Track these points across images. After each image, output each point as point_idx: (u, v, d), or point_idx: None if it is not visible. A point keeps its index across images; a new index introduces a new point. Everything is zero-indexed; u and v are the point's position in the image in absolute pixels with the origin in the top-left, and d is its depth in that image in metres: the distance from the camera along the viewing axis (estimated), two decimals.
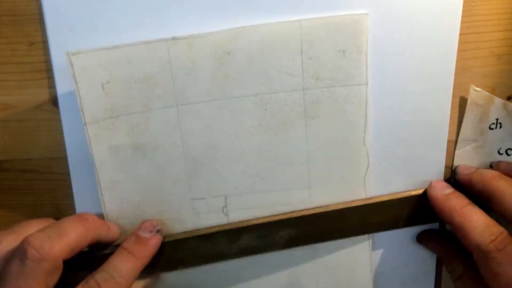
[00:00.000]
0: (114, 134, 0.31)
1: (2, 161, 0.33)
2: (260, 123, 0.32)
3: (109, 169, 0.32)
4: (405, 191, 0.33)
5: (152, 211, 0.33)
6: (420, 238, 0.35)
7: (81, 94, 0.30)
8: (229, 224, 0.33)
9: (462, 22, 0.31)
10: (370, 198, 0.33)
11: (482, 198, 0.30)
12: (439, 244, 0.34)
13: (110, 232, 0.31)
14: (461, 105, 0.33)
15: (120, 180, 0.32)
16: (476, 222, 0.29)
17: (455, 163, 0.34)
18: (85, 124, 0.30)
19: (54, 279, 0.27)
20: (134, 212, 0.33)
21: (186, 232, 0.33)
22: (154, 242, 0.32)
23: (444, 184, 0.32)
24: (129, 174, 0.32)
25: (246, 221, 0.33)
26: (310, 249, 0.35)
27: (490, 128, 0.33)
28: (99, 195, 0.32)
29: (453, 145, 0.34)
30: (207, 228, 0.33)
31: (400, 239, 0.36)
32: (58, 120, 0.32)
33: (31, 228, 0.28)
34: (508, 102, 0.32)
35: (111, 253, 0.30)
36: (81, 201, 0.33)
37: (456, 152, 0.34)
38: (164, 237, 0.33)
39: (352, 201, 0.33)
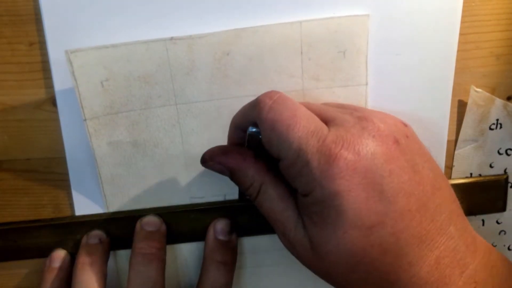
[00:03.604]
0: (114, 130, 0.31)
1: (1, 161, 0.33)
2: None
3: (110, 164, 0.32)
4: None
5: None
6: (205, 158, 0.29)
7: (80, 90, 0.30)
8: (227, 201, 0.34)
9: (462, 22, 0.31)
10: None
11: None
12: (232, 157, 0.29)
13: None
14: (461, 105, 0.33)
15: (120, 174, 0.32)
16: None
17: (455, 163, 0.34)
18: (85, 120, 0.30)
19: None
20: (134, 208, 0.33)
21: (184, 205, 0.33)
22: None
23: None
24: (130, 169, 0.32)
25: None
26: None
27: (490, 129, 0.33)
28: (100, 189, 0.32)
29: (453, 145, 0.34)
30: (206, 203, 0.34)
31: None
32: (58, 120, 0.32)
33: None
34: (508, 103, 0.32)
35: None
36: (80, 201, 0.33)
37: (456, 152, 0.34)
38: (163, 209, 0.33)
39: None
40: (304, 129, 0.24)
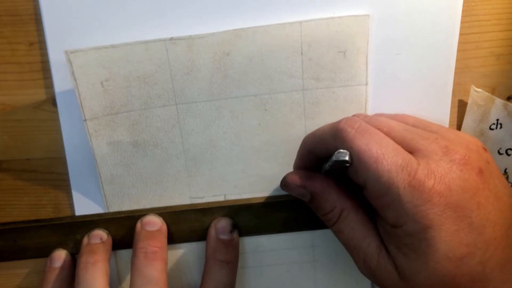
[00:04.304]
0: (114, 131, 0.31)
1: (1, 161, 0.33)
2: (260, 123, 0.32)
3: (110, 164, 0.32)
4: None
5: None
6: (286, 182, 0.30)
7: (80, 91, 0.30)
8: (227, 201, 0.34)
9: (462, 22, 0.31)
10: None
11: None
12: (317, 182, 0.29)
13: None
14: (461, 105, 0.33)
15: (120, 174, 0.32)
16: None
17: None
18: (85, 120, 0.30)
19: None
20: (134, 207, 0.33)
21: (184, 205, 0.33)
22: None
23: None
24: (130, 169, 0.32)
25: (244, 199, 0.34)
26: (308, 245, 0.35)
27: (491, 129, 0.33)
28: (100, 189, 0.32)
29: None
30: (206, 203, 0.33)
31: None
32: (58, 120, 0.32)
33: None
34: (508, 103, 0.32)
35: None
36: (80, 201, 0.33)
37: None
38: (163, 209, 0.33)
39: None
40: (392, 162, 0.24)
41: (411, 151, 0.25)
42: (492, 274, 0.24)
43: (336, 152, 0.25)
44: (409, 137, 0.26)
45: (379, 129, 0.26)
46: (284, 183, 0.30)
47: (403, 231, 0.24)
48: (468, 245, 0.23)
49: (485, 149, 0.26)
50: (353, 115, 0.30)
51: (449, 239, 0.23)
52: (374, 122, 0.27)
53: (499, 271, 0.24)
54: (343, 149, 0.25)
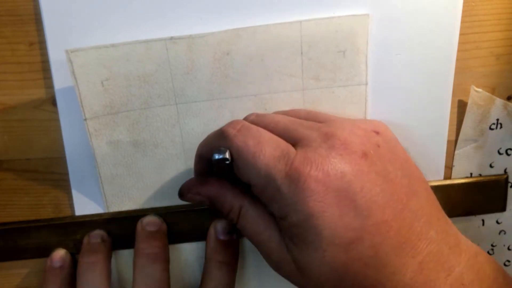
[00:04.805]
0: (114, 130, 0.31)
1: (1, 161, 0.33)
2: None
3: (110, 164, 0.32)
4: None
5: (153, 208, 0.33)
6: (182, 192, 0.30)
7: (80, 90, 0.30)
8: None
9: (462, 22, 0.31)
10: None
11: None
12: (210, 186, 0.29)
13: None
14: (461, 105, 0.33)
15: (120, 174, 0.32)
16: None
17: (455, 163, 0.34)
18: (85, 119, 0.30)
19: None
20: (134, 207, 0.33)
21: (184, 205, 0.33)
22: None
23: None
24: (130, 169, 0.32)
25: None
26: None
27: (491, 128, 0.33)
28: (100, 189, 0.32)
29: (453, 145, 0.34)
30: None
31: None
32: (58, 120, 0.32)
33: None
34: (508, 103, 0.32)
35: None
36: (80, 201, 0.33)
37: (456, 152, 0.34)
38: (163, 209, 0.33)
39: None
40: (270, 155, 0.24)
41: (294, 142, 0.25)
42: (387, 258, 0.23)
43: (214, 151, 0.26)
44: (292, 128, 0.26)
45: (266, 125, 0.26)
46: (180, 194, 0.30)
47: (289, 223, 0.24)
48: (355, 230, 0.23)
49: (377, 132, 0.26)
50: (245, 116, 0.29)
51: (334, 225, 0.23)
52: (262, 119, 0.27)
53: (395, 255, 0.23)
54: (227, 148, 0.25)
